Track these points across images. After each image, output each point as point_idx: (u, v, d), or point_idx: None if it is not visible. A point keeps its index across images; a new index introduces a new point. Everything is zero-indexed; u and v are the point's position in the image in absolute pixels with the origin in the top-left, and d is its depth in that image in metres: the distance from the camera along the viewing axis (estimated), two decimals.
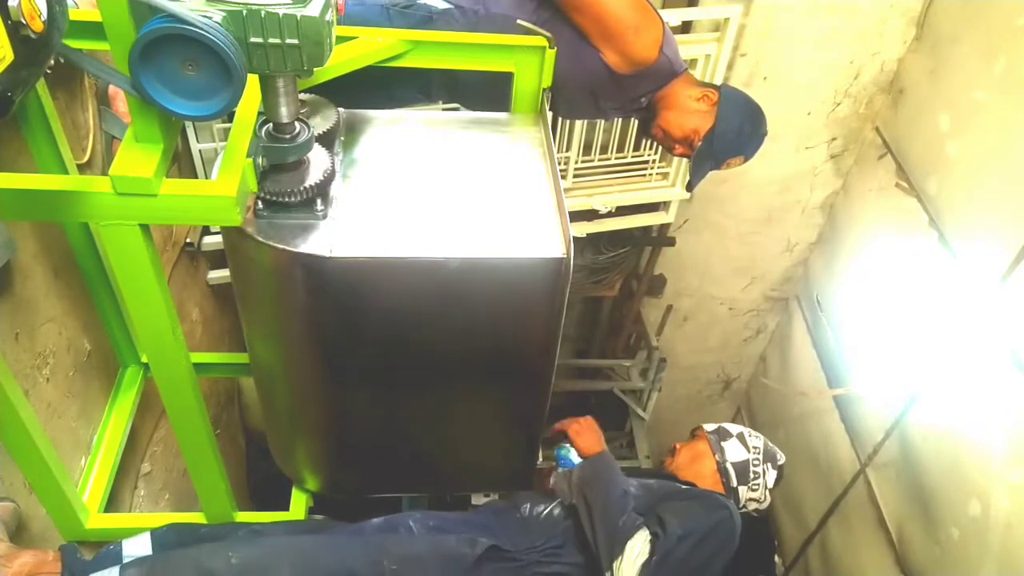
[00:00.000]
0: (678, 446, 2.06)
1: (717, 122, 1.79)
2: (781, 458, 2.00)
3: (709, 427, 2.04)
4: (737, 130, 1.82)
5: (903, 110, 2.94)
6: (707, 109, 1.80)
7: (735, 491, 1.91)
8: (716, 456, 1.94)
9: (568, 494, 1.87)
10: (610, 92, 1.78)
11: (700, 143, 1.82)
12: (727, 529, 1.77)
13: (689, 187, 1.97)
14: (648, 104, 1.84)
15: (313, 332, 1.46)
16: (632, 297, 3.78)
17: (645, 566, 1.64)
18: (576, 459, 2.13)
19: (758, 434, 2.02)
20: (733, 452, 1.94)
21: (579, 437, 1.98)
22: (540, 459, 1.89)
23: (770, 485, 1.95)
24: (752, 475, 1.92)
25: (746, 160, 1.90)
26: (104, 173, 1.34)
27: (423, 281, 1.35)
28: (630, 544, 1.65)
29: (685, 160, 2.87)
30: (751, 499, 1.94)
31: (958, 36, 2.61)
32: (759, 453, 1.96)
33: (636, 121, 2.80)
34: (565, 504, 1.87)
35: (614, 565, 1.65)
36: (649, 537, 1.67)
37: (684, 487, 1.93)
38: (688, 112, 1.81)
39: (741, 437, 1.97)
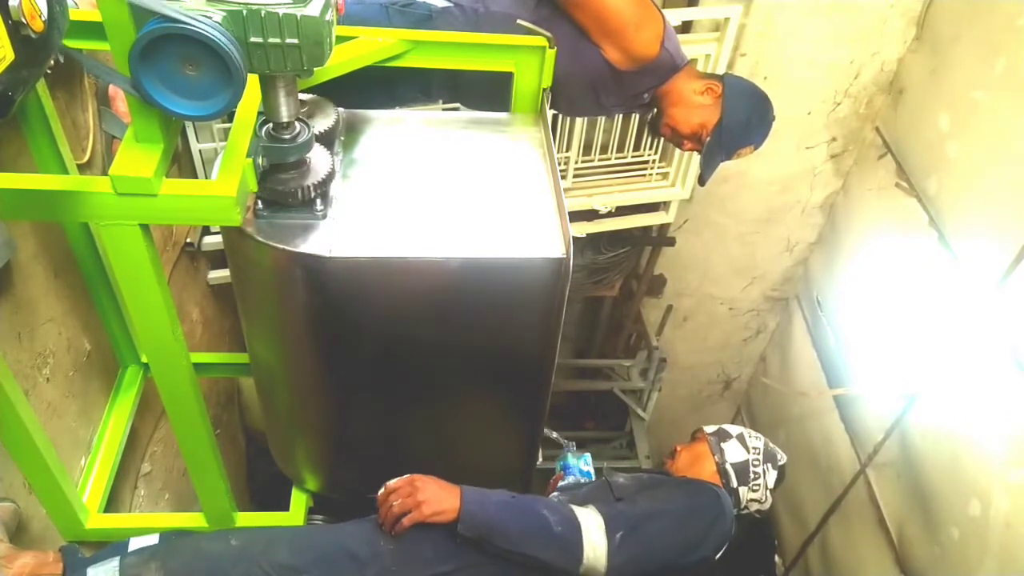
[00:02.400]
0: (678, 448, 2.05)
1: (724, 115, 1.79)
2: (782, 458, 1.99)
3: (709, 429, 2.03)
4: (745, 121, 1.82)
5: (903, 110, 2.94)
6: (712, 102, 1.80)
7: (735, 492, 1.90)
8: (716, 457, 1.93)
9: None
10: (611, 88, 1.77)
11: (709, 137, 1.82)
12: (712, 511, 1.75)
13: (701, 181, 1.96)
14: (651, 100, 1.84)
15: (313, 332, 1.46)
16: (632, 297, 3.78)
17: (611, 540, 1.58)
18: (583, 467, 2.11)
19: (758, 435, 2.01)
20: (732, 453, 1.93)
21: (426, 505, 1.52)
22: (540, 459, 1.88)
23: (771, 485, 1.95)
24: (752, 475, 1.92)
25: (756, 148, 1.90)
26: (104, 173, 1.34)
27: (423, 281, 1.35)
28: (584, 534, 1.58)
29: (685, 160, 2.89)
30: (752, 499, 1.93)
31: (958, 36, 2.61)
32: (759, 453, 1.95)
33: (638, 120, 2.80)
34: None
35: (584, 563, 1.58)
36: (590, 512, 1.63)
37: (673, 477, 1.92)
38: (693, 107, 1.80)
39: (741, 438, 1.96)
